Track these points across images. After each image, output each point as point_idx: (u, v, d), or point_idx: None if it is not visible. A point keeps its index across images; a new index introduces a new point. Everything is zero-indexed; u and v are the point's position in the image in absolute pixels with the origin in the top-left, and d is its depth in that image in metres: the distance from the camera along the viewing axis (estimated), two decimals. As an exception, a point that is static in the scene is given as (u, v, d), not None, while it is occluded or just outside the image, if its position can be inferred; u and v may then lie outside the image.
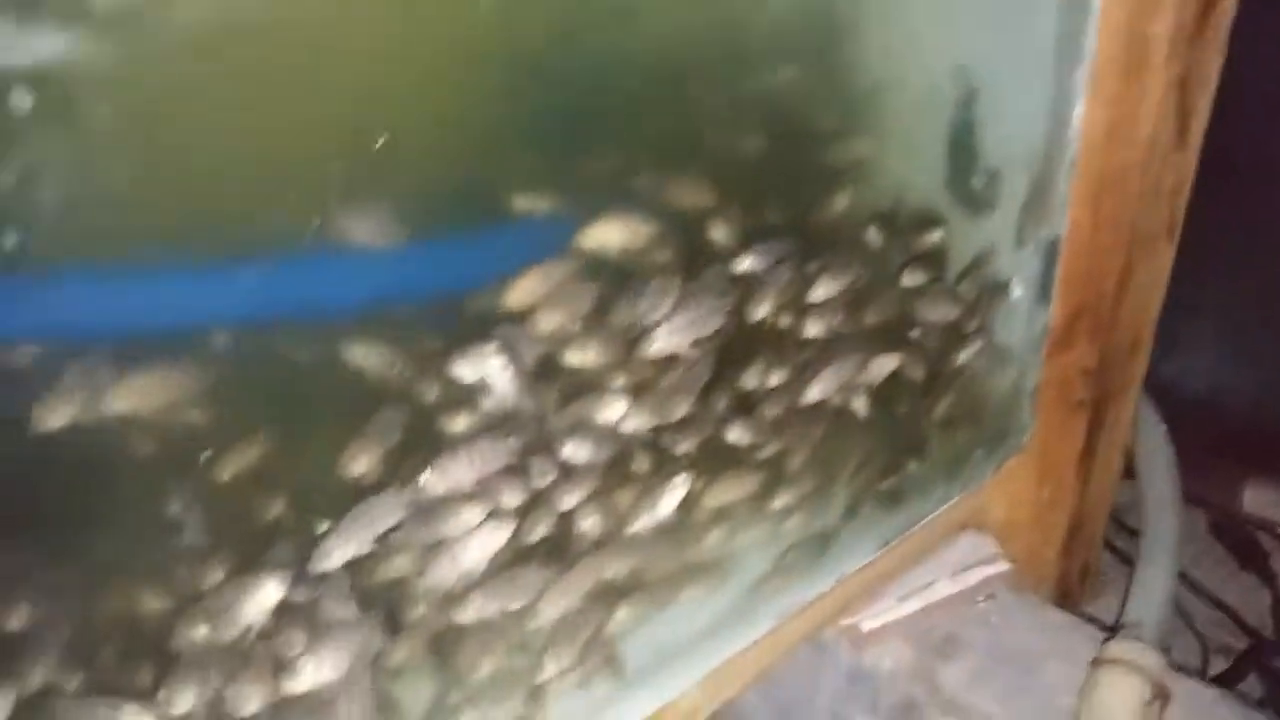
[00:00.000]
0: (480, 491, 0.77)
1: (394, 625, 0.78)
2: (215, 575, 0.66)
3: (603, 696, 0.94)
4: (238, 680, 0.69)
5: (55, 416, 0.58)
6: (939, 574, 1.41)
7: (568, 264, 0.79)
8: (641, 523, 0.90)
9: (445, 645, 0.83)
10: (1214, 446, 1.80)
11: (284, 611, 0.69)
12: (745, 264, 0.91)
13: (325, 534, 0.69)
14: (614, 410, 0.85)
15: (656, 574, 0.96)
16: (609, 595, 0.93)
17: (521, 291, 0.77)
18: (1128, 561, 1.75)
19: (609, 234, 0.81)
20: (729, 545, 1.00)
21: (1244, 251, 1.72)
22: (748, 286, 0.91)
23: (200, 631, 0.65)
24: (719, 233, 0.89)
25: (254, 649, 0.68)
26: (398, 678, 0.80)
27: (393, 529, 0.72)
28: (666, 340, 0.85)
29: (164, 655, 0.66)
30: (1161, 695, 1.19)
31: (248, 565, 0.68)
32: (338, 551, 0.69)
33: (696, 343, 0.88)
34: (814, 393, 1.01)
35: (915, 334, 1.06)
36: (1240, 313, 1.79)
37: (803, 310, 0.97)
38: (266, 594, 0.66)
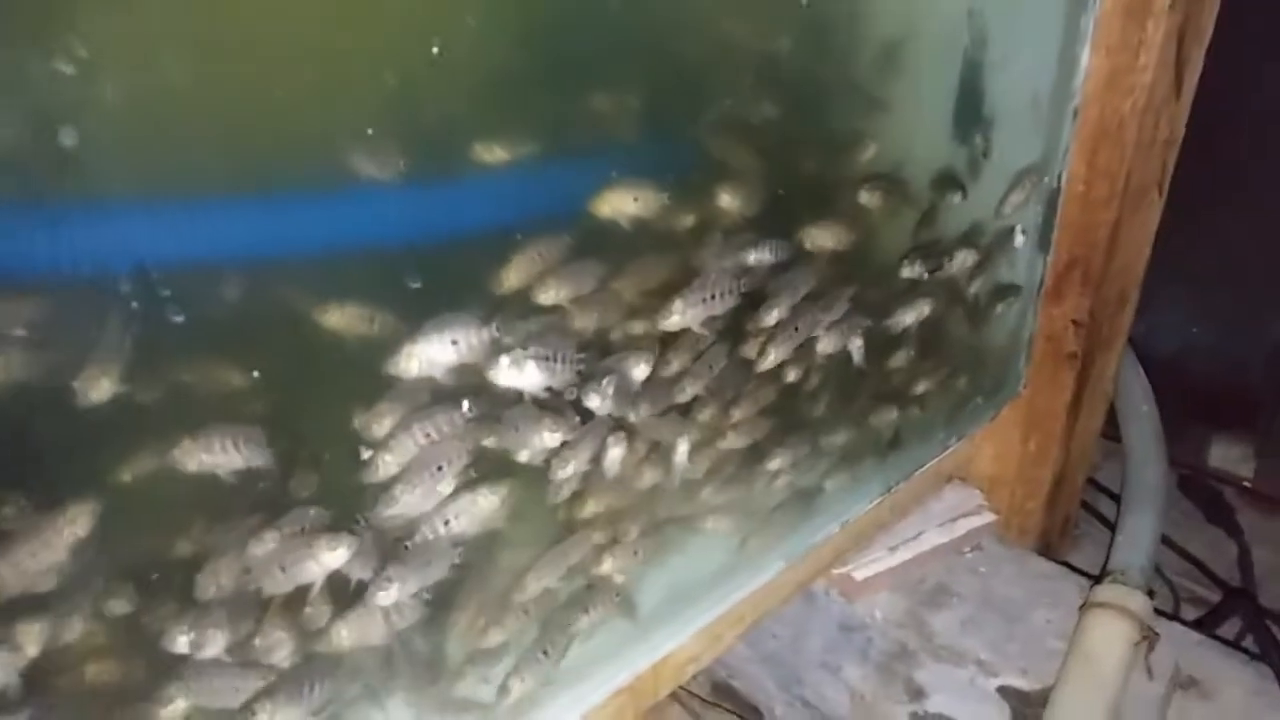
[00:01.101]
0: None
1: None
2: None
3: (616, 641, 0.94)
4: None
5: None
6: (927, 525, 1.44)
7: (565, 241, 0.78)
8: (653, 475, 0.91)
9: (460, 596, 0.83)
10: (1181, 405, 1.85)
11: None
12: (759, 255, 0.92)
13: (393, 482, 0.68)
14: (640, 369, 0.85)
15: (665, 523, 0.96)
16: (617, 545, 0.93)
17: (519, 269, 0.76)
18: (1099, 516, 1.81)
19: (621, 202, 0.80)
20: (737, 491, 1.01)
21: (1212, 214, 1.76)
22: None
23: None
24: (731, 201, 0.89)
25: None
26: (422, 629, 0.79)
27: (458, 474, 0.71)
28: (682, 315, 0.86)
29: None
30: (1148, 637, 1.23)
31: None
32: (405, 498, 0.68)
33: (709, 320, 0.89)
34: (825, 346, 1.02)
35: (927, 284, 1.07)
36: (1207, 274, 1.84)
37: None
38: (336, 555, 0.64)
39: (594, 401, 0.80)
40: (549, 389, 0.77)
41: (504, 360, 0.73)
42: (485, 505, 0.78)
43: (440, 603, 0.80)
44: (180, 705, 0.68)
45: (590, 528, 0.90)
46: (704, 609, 1.00)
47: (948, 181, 1.12)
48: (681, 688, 1.49)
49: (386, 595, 0.71)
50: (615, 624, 0.94)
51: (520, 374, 0.75)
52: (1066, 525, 1.61)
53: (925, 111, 1.05)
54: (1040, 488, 1.47)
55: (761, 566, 1.04)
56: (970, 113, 1.06)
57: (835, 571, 1.35)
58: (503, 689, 0.85)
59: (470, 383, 0.74)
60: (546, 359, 0.76)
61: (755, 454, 0.99)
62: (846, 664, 1.39)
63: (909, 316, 1.04)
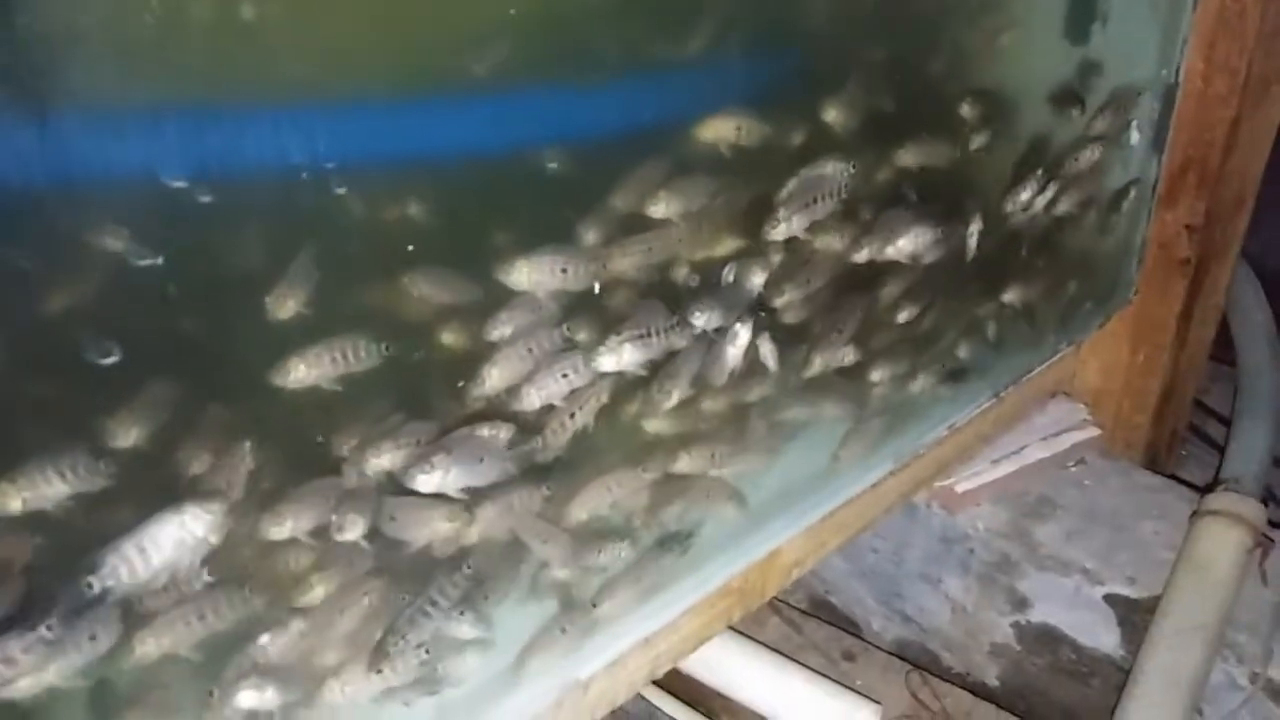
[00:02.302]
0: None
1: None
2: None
3: (731, 529, 0.98)
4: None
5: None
6: (1030, 439, 1.45)
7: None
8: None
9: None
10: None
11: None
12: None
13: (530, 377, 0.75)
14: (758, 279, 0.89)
15: (776, 422, 0.99)
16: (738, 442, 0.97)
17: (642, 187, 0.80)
18: (1207, 439, 1.79)
19: (723, 129, 0.84)
20: (852, 391, 1.04)
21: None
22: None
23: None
24: (836, 115, 0.91)
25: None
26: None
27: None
28: (788, 225, 0.90)
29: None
30: (1263, 543, 1.23)
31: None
32: (535, 395, 0.75)
33: (812, 227, 0.92)
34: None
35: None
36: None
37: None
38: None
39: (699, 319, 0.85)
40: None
41: (601, 350, 0.79)
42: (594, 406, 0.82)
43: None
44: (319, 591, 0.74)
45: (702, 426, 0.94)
46: (814, 505, 1.04)
47: (1066, 96, 1.11)
48: (781, 600, 1.54)
49: (428, 480, 0.73)
50: (728, 518, 0.98)
51: (619, 358, 0.80)
52: (1174, 440, 1.60)
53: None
54: (1148, 400, 1.46)
55: (870, 466, 1.07)
56: (1085, 6, 1.05)
57: (937, 484, 1.37)
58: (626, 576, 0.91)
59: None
60: (641, 336, 0.81)
61: (866, 354, 1.01)
62: (947, 575, 1.41)
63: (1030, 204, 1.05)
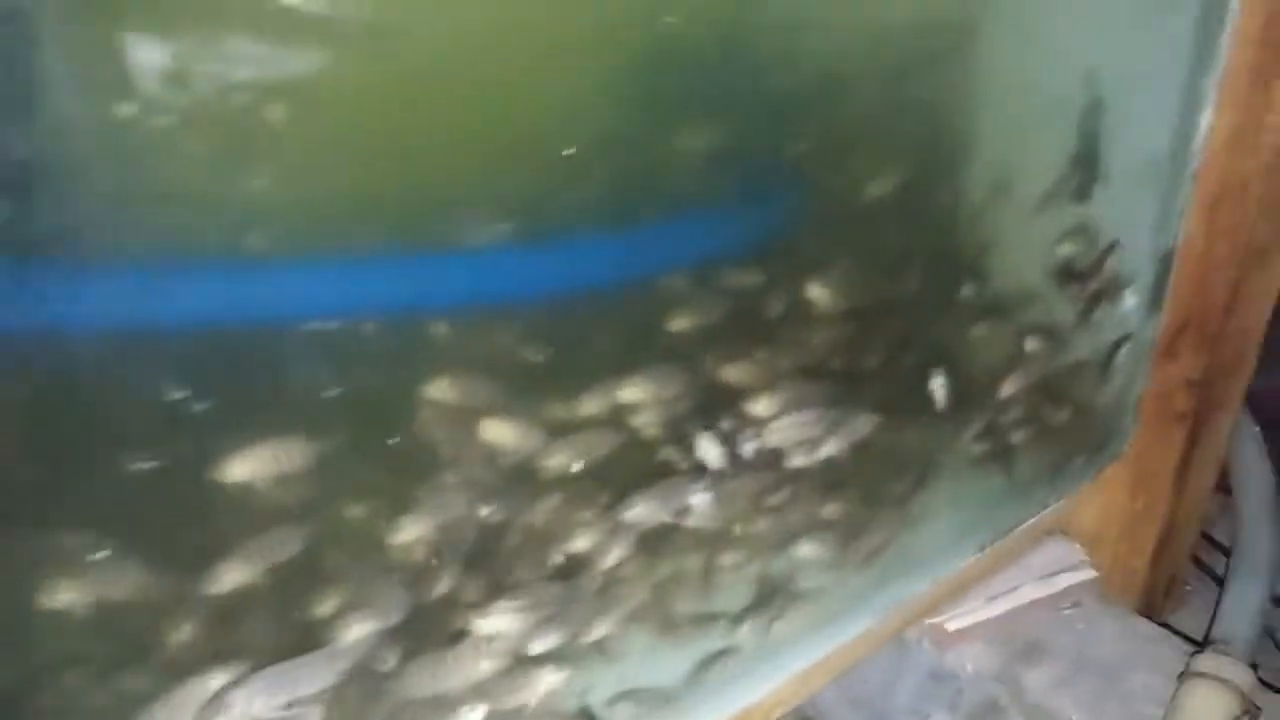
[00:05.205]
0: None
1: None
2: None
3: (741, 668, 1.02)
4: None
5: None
6: (1025, 579, 1.48)
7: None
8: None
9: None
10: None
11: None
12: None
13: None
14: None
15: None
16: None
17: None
18: (1211, 574, 1.81)
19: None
20: (838, 546, 1.08)
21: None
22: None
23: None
24: (819, 293, 0.97)
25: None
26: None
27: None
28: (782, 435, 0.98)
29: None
30: (1250, 711, 1.25)
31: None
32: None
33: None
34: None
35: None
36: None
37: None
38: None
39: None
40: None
41: None
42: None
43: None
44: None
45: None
46: (793, 659, 1.07)
47: (1065, 273, 1.17)
48: (767, 725, 1.57)
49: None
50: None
51: None
52: (1172, 585, 1.62)
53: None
54: (1145, 545, 1.49)
55: (849, 623, 1.11)
56: (1086, 181, 1.11)
57: (928, 621, 1.40)
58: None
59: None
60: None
61: (845, 511, 1.05)
62: (935, 713, 1.43)
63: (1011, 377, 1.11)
